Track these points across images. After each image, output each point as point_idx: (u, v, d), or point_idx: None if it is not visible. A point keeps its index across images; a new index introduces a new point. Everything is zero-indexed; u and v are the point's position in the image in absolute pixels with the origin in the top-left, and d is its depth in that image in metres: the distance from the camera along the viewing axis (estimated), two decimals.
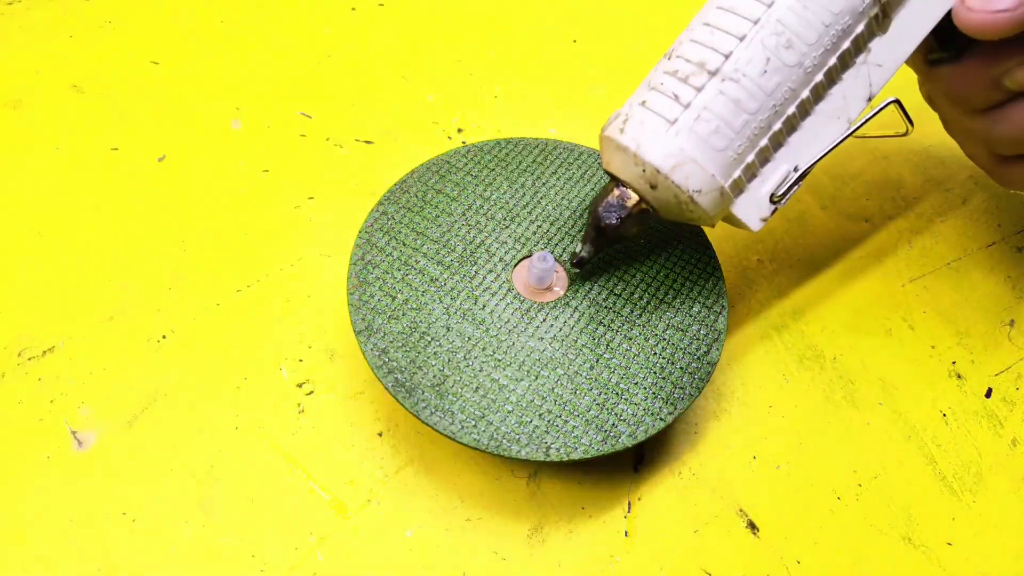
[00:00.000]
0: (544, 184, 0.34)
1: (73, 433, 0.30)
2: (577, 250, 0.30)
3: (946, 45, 0.29)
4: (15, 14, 0.45)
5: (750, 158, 0.27)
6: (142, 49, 0.44)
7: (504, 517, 0.30)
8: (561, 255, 0.32)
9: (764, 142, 0.27)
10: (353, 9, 0.47)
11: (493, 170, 0.34)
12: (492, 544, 0.29)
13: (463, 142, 0.41)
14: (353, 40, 0.46)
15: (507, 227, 0.32)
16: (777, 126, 0.27)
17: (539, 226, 0.33)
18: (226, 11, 0.46)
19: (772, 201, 0.28)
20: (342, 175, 0.39)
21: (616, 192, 0.28)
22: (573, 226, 0.33)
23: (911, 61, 0.32)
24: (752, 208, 0.28)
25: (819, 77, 0.27)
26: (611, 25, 0.48)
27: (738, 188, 0.27)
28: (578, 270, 0.31)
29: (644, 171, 0.27)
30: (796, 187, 0.28)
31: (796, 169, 0.28)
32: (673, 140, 0.26)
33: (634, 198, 0.28)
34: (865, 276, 0.38)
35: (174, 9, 0.46)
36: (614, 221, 0.28)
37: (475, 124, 0.42)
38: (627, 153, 0.27)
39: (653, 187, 0.27)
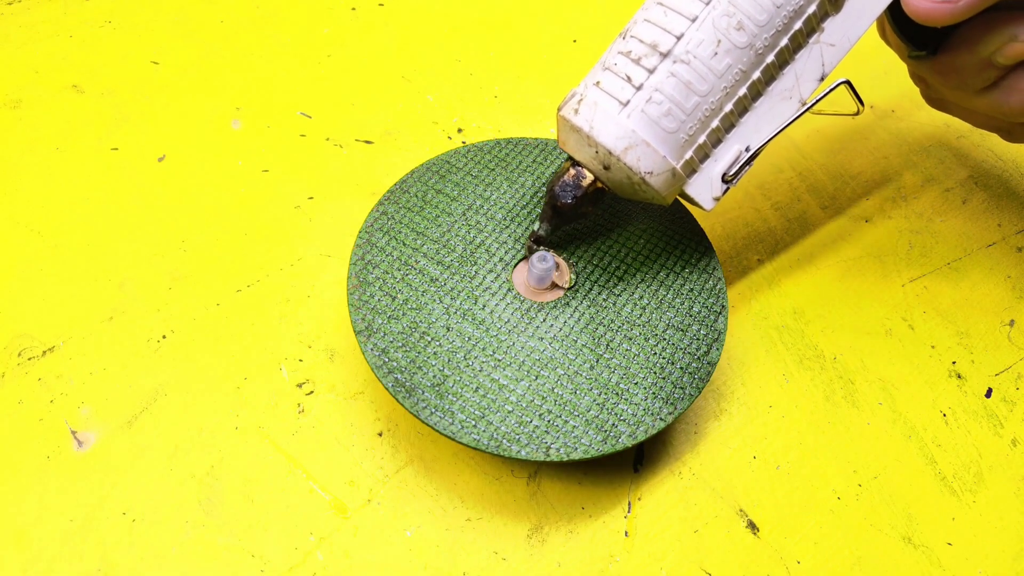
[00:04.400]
0: (544, 184, 0.34)
1: (73, 433, 0.30)
2: (535, 228, 0.30)
3: (920, 44, 0.30)
4: (15, 14, 0.45)
5: (701, 139, 0.27)
6: (142, 49, 0.44)
7: (504, 517, 0.30)
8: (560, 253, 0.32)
9: (715, 123, 0.27)
10: (353, 9, 0.47)
11: (493, 170, 0.34)
12: (492, 544, 0.29)
13: (463, 142, 0.41)
14: (353, 40, 0.46)
15: (507, 227, 0.32)
16: (728, 107, 0.27)
17: None
18: (226, 11, 0.46)
19: (724, 180, 0.28)
20: (342, 175, 0.39)
21: (572, 172, 0.29)
22: (573, 226, 0.33)
23: (897, 51, 0.32)
24: (705, 188, 0.28)
25: (770, 58, 0.27)
26: (611, 25, 0.48)
27: (690, 168, 0.28)
28: (537, 247, 0.31)
29: (597, 152, 0.27)
30: (748, 167, 0.28)
31: (748, 149, 0.28)
32: (625, 122, 0.26)
33: (589, 178, 0.29)
34: (865, 276, 0.38)
35: (174, 9, 0.46)
36: (569, 200, 0.29)
37: (475, 124, 0.42)
38: (580, 134, 0.27)
39: (606, 168, 0.27)
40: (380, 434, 0.31)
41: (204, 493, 0.29)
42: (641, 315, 0.31)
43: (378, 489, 0.30)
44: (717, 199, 0.29)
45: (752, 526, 0.30)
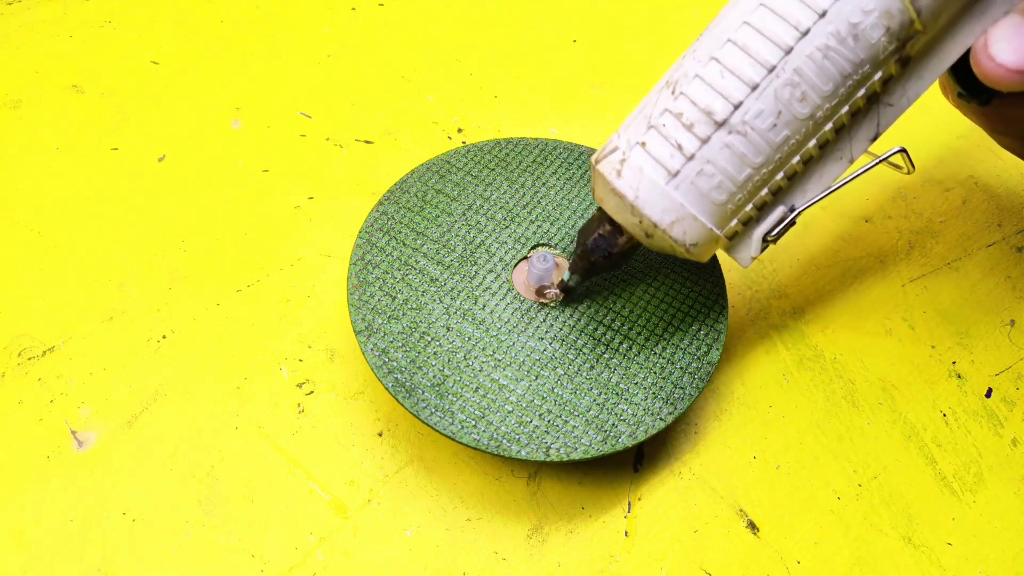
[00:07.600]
0: (544, 184, 0.34)
1: (73, 433, 0.30)
2: (564, 278, 0.29)
3: (975, 92, 0.29)
4: (15, 14, 0.45)
5: (748, 208, 0.26)
6: (142, 49, 0.44)
7: (504, 517, 0.30)
8: (565, 251, 0.32)
9: (764, 191, 0.26)
10: (353, 9, 0.47)
11: (493, 170, 0.34)
12: (492, 544, 0.29)
13: (463, 142, 0.41)
14: (353, 40, 0.46)
15: (507, 227, 0.32)
16: (779, 176, 0.26)
17: (539, 226, 0.33)
18: (226, 11, 0.46)
19: (765, 240, 0.27)
20: (342, 175, 0.39)
21: (607, 227, 0.28)
22: (573, 226, 0.33)
23: (942, 89, 0.31)
24: (744, 248, 0.27)
25: (828, 126, 0.25)
26: (611, 25, 0.48)
27: (733, 233, 0.27)
28: (566, 295, 0.30)
29: (640, 222, 0.26)
30: (790, 227, 0.27)
31: (792, 209, 0.27)
32: (673, 194, 0.25)
33: (625, 235, 0.27)
34: (865, 276, 0.38)
35: (174, 9, 0.46)
36: (603, 257, 0.28)
37: (475, 124, 0.42)
38: (623, 201, 0.26)
39: (648, 236, 0.26)
40: (380, 434, 0.31)
41: (204, 493, 0.29)
42: (641, 315, 0.31)
43: (378, 489, 0.30)
44: (754, 258, 0.28)
45: (752, 526, 0.30)
